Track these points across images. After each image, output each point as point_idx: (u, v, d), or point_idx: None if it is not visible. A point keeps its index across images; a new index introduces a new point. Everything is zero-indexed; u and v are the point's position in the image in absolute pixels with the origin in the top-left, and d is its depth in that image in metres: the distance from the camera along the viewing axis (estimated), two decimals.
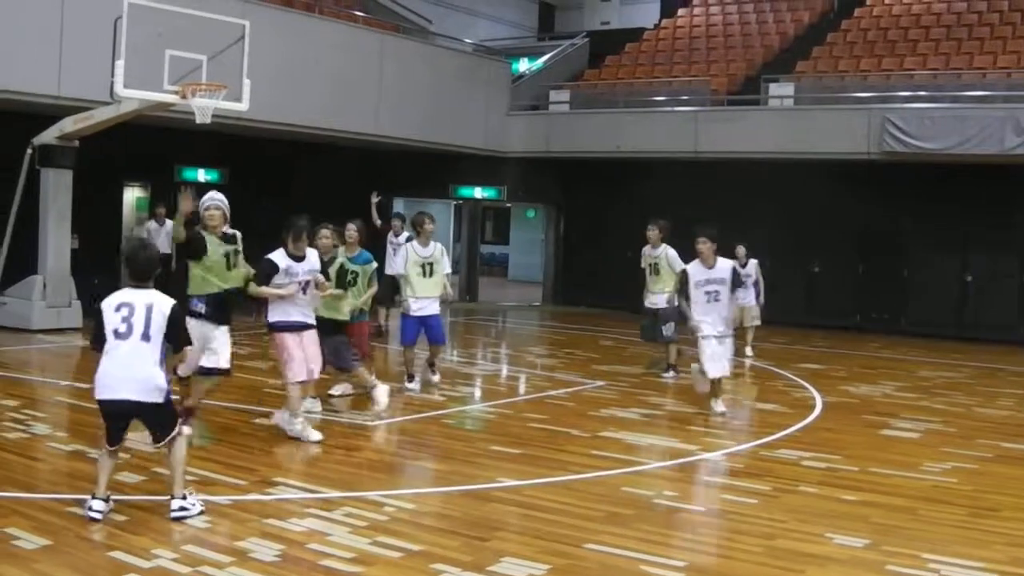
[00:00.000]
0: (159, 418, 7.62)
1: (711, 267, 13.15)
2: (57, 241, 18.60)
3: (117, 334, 7.55)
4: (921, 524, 8.27)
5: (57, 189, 18.50)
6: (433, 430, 11.76)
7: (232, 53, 16.66)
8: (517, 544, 7.44)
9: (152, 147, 21.47)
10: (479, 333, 23.00)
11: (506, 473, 9.55)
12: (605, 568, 7.07)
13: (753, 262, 18.87)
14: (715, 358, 12.66)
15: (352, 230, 12.79)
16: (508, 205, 35.63)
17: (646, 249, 16.46)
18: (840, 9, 30.72)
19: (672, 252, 16.17)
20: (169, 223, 20.89)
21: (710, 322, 12.80)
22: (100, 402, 7.63)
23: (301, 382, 10.53)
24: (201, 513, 7.62)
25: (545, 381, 15.73)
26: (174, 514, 7.54)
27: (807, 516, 8.38)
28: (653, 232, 16.40)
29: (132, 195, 25.01)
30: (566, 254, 29.38)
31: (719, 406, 12.74)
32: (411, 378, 13.95)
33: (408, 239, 18.41)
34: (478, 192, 29.18)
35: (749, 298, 18.34)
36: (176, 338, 7.61)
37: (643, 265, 16.44)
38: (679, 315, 14.91)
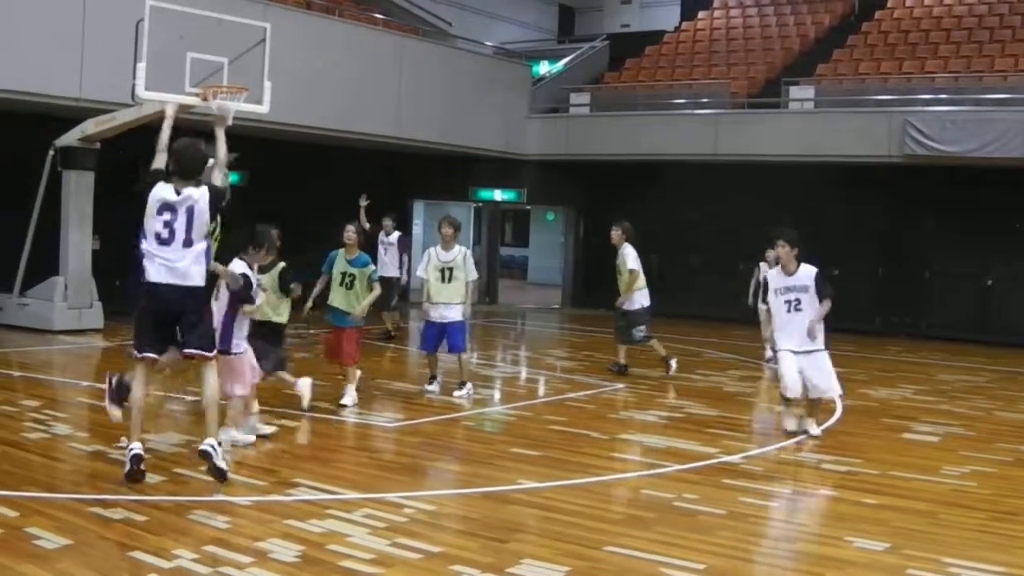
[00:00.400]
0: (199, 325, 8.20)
1: (791, 274, 12.10)
2: (78, 243, 18.67)
3: (159, 239, 7.80)
4: (941, 528, 8.25)
5: (79, 191, 18.58)
6: (453, 432, 11.77)
7: (253, 56, 16.69)
8: (536, 546, 7.44)
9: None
10: (498, 335, 23.00)
11: (526, 475, 9.55)
12: (624, 571, 7.06)
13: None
14: (790, 375, 11.51)
15: (351, 232, 12.81)
16: (528, 208, 35.64)
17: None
18: (860, 12, 30.68)
19: (630, 251, 16.78)
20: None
21: (787, 334, 11.93)
22: (147, 288, 8.26)
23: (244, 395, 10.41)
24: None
25: (564, 383, 15.73)
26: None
27: (827, 519, 8.38)
28: (616, 233, 16.80)
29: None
30: (586, 257, 29.37)
31: (812, 428, 11.64)
32: (432, 379, 13.90)
33: (400, 239, 18.53)
34: (498, 195, 29.19)
35: None
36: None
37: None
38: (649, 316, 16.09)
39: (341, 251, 12.67)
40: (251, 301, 10.23)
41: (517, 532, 7.82)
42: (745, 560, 7.37)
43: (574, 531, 7.81)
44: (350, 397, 12.44)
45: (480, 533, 7.71)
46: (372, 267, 12.81)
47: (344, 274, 12.59)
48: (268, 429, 10.63)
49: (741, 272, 25.31)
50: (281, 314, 11.59)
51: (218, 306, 9.89)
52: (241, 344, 10.08)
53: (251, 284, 10.27)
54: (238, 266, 10.42)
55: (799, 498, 9.13)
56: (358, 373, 12.75)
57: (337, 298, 12.59)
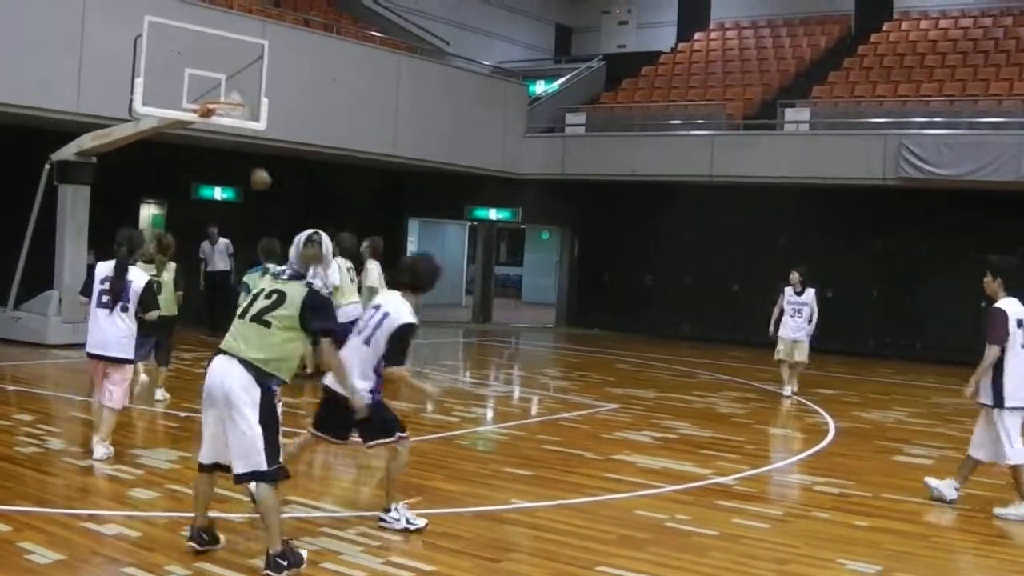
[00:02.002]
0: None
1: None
2: (73, 257, 18.66)
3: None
4: (933, 551, 8.26)
5: (75, 205, 18.59)
6: (446, 451, 11.76)
7: (251, 72, 16.74)
8: (529, 566, 7.44)
9: (170, 165, 21.58)
10: (492, 354, 23.02)
11: (519, 495, 9.55)
12: None
13: (810, 291, 17.38)
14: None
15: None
16: (523, 227, 35.69)
17: None
18: (857, 35, 30.74)
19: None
20: (223, 241, 21.35)
21: None
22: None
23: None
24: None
25: (558, 403, 15.74)
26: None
27: (819, 541, 8.38)
28: None
29: (149, 212, 25.12)
30: (580, 276, 29.39)
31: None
32: None
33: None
34: (493, 213, 29.21)
35: (801, 331, 16.89)
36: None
37: None
38: None
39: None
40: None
41: (510, 552, 7.82)
42: None
43: (567, 551, 7.81)
44: None
45: (473, 552, 7.72)
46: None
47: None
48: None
49: (735, 292, 25.43)
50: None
51: None
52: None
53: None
54: (137, 273, 10.53)
55: (792, 520, 9.13)
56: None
57: None
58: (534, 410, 15.59)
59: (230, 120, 16.42)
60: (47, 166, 18.39)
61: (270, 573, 6.86)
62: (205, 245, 21.94)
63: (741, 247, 25.71)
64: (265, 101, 16.91)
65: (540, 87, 32.36)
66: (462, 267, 34.29)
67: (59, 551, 7.11)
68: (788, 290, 17.22)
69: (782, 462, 11.58)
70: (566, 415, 14.50)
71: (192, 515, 7.34)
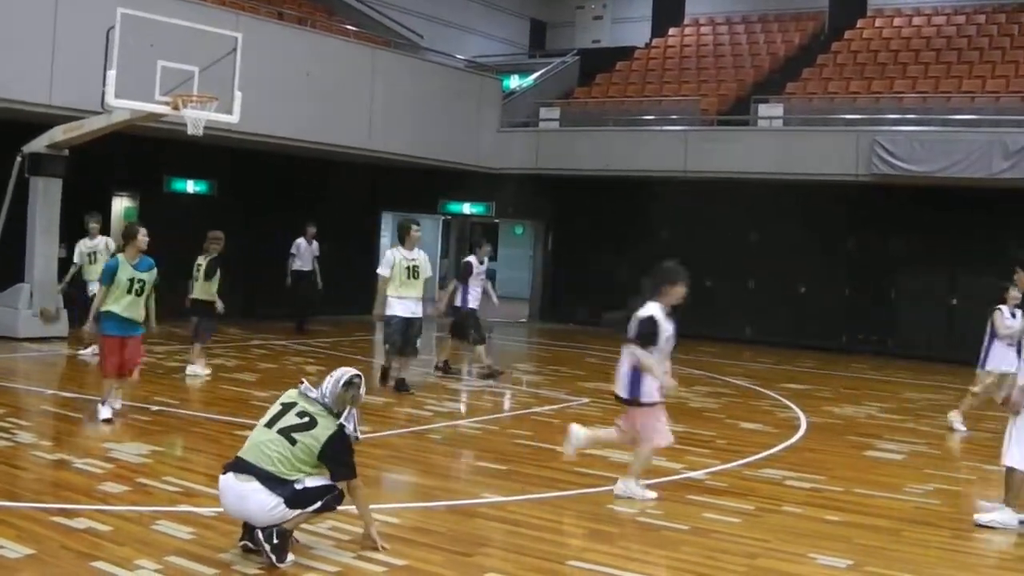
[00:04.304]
0: None
1: None
2: (45, 250, 18.56)
3: None
4: (904, 545, 8.29)
5: (46, 198, 18.48)
6: (418, 445, 11.76)
7: (224, 65, 16.69)
8: (501, 560, 7.45)
9: (142, 157, 21.50)
10: (465, 349, 22.98)
11: (491, 489, 9.56)
12: None
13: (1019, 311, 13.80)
14: None
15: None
16: (496, 221, 35.65)
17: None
18: (830, 31, 30.84)
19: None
20: (316, 244, 21.76)
21: None
22: None
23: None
24: None
25: (531, 398, 15.75)
26: None
27: (790, 536, 8.40)
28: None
29: (121, 205, 24.99)
30: (554, 271, 29.42)
31: None
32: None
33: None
34: (467, 208, 29.21)
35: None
36: None
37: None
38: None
39: (121, 257, 11.86)
40: None
41: (482, 546, 7.83)
42: None
43: (538, 545, 7.82)
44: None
45: (445, 547, 7.71)
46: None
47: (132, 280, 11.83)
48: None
49: (708, 288, 25.47)
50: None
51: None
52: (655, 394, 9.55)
53: None
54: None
55: (762, 514, 9.15)
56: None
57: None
58: (506, 404, 15.58)
59: (203, 113, 16.36)
60: (18, 158, 18.27)
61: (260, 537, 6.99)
62: (301, 242, 22.16)
63: (714, 242, 25.75)
64: (239, 94, 16.86)
65: (514, 82, 32.34)
66: (435, 261, 34.22)
67: (28, 545, 7.07)
68: (1005, 310, 13.99)
69: (753, 457, 11.59)
70: (538, 409, 14.52)
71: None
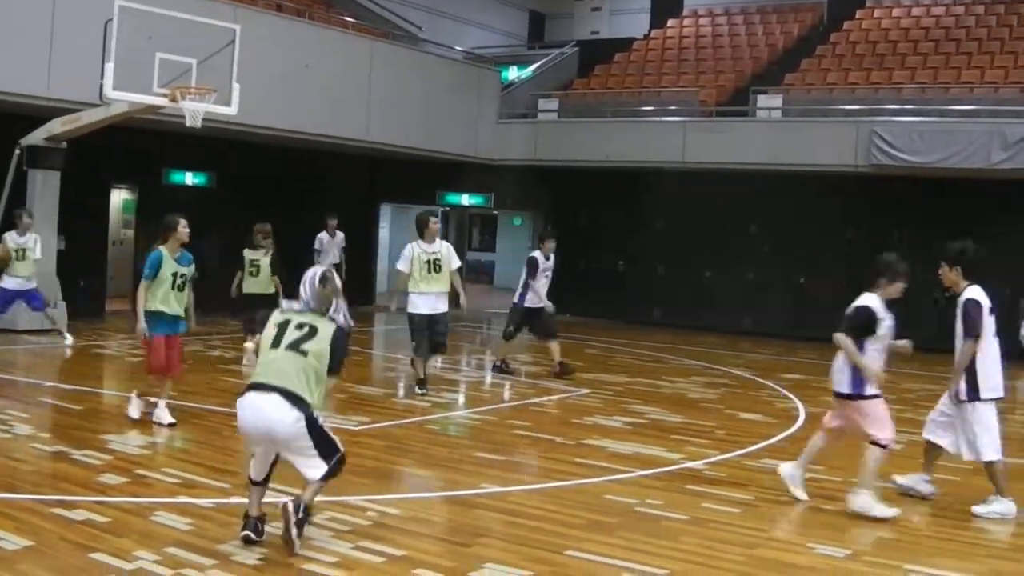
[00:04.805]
0: None
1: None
2: (43, 242, 18.50)
3: None
4: (902, 534, 8.30)
5: (44, 190, 18.48)
6: (417, 436, 11.77)
7: (222, 57, 16.68)
8: (499, 550, 7.45)
9: (140, 150, 21.47)
10: (464, 340, 22.99)
11: (489, 479, 9.57)
12: (587, 575, 7.08)
13: None
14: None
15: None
16: (495, 212, 35.65)
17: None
18: (829, 22, 30.78)
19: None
20: (340, 235, 21.50)
21: None
22: None
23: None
24: None
25: (529, 388, 15.75)
26: None
27: (789, 526, 8.43)
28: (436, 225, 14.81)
29: (119, 197, 25.01)
30: (553, 262, 29.36)
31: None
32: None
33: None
34: (465, 199, 29.18)
35: None
36: None
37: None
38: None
39: (164, 250, 11.29)
40: None
41: (480, 536, 7.84)
42: (707, 566, 7.39)
43: (537, 535, 7.83)
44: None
45: (443, 537, 7.73)
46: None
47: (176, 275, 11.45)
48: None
49: (707, 279, 25.48)
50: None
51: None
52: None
53: None
54: None
55: (761, 504, 9.16)
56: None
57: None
58: (505, 395, 15.58)
59: (202, 105, 16.35)
60: (17, 151, 18.27)
61: (288, 505, 7.14)
62: (323, 236, 22.10)
63: (713, 234, 25.74)
64: (237, 86, 16.85)
65: (513, 73, 32.31)
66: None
67: (27, 537, 7.08)
68: None
69: (752, 447, 11.60)
70: (537, 400, 14.52)
71: (247, 505, 7.40)
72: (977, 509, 9.06)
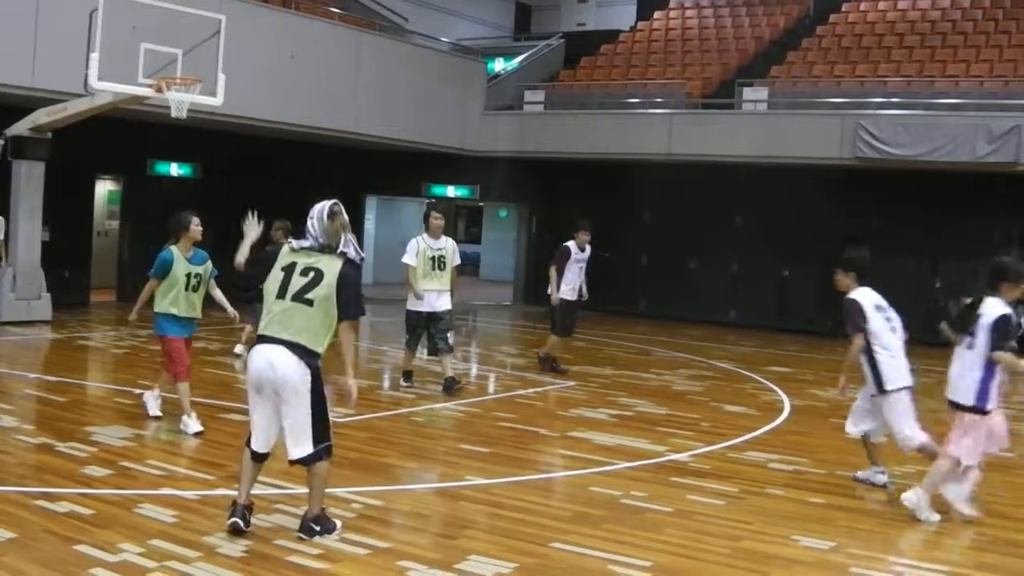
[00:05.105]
0: None
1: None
2: (28, 233, 18.52)
3: None
4: (886, 527, 8.33)
5: (29, 181, 18.43)
6: (403, 428, 11.77)
7: (208, 48, 16.62)
8: (485, 543, 7.46)
9: (126, 141, 21.42)
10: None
11: (475, 472, 9.57)
12: (572, 567, 7.09)
13: None
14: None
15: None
16: (481, 204, 35.65)
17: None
18: (815, 15, 30.81)
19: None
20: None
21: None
22: None
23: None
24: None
25: (515, 380, 15.76)
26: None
27: (773, 518, 8.43)
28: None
29: (104, 188, 24.96)
30: (538, 254, 29.37)
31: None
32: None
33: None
34: (451, 191, 29.19)
35: None
36: None
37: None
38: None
39: (175, 249, 10.92)
40: None
41: (465, 528, 7.84)
42: (692, 558, 7.40)
43: (522, 528, 7.83)
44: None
45: (428, 529, 7.73)
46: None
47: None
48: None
49: (692, 270, 25.51)
50: None
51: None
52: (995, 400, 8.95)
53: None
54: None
55: (746, 497, 9.18)
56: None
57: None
58: (491, 387, 15.59)
59: (187, 96, 16.30)
60: (1, 142, 18.21)
61: (302, 535, 7.22)
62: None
63: (698, 225, 25.78)
64: (222, 77, 16.81)
65: (499, 65, 32.30)
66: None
67: (11, 529, 7.06)
68: None
69: (737, 439, 11.62)
70: (522, 392, 14.52)
71: (235, 494, 7.40)
72: (906, 496, 9.11)
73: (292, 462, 7.27)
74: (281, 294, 7.20)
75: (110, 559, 6.63)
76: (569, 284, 16.52)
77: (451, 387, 13.79)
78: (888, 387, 9.64)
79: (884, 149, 22.11)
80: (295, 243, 7.37)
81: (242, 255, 9.55)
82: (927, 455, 9.38)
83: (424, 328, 14.04)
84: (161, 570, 6.50)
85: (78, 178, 21.64)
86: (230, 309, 11.53)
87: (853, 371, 9.82)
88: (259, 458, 7.35)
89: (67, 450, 9.43)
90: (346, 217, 7.43)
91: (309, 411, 7.13)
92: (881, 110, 23.08)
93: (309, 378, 7.11)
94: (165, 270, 10.75)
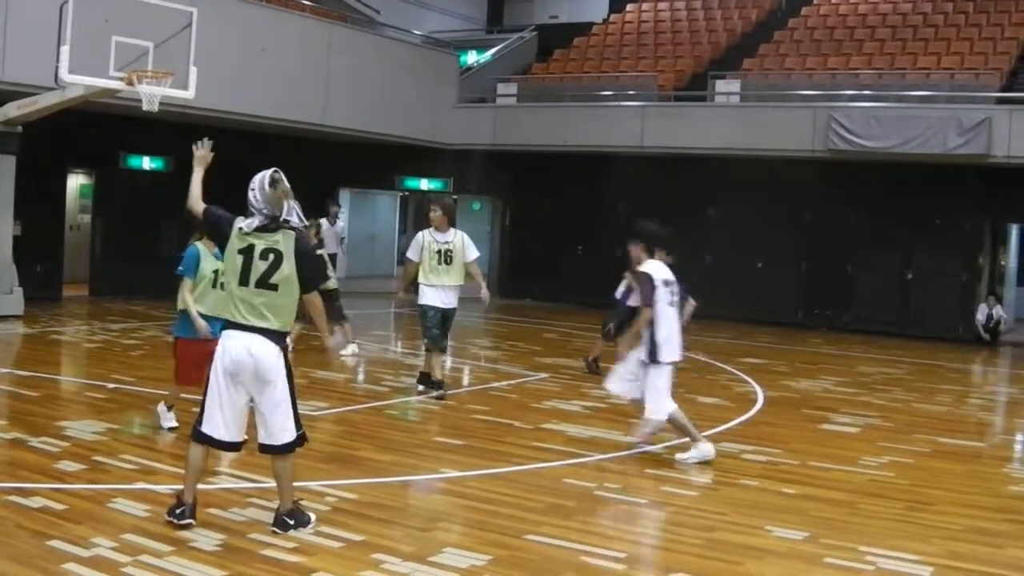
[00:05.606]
0: None
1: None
2: None
3: None
4: (859, 517, 8.36)
5: (0, 175, 18.32)
6: (376, 421, 11.76)
7: (179, 41, 16.56)
8: (459, 535, 7.47)
9: (97, 134, 21.32)
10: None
11: (449, 464, 9.57)
12: (546, 559, 7.10)
13: None
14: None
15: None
16: (454, 197, 35.58)
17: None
18: (787, 8, 30.91)
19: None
20: (340, 224, 20.34)
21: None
22: None
23: None
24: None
25: (488, 373, 15.78)
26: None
27: (747, 509, 8.46)
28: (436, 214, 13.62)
29: (76, 182, 24.83)
30: (511, 247, 29.41)
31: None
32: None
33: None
34: (424, 184, 29.16)
35: None
36: None
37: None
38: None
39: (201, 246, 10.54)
40: None
41: (439, 521, 7.85)
42: (665, 549, 7.44)
43: (496, 520, 7.84)
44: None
45: (402, 522, 7.73)
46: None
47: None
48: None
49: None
50: None
51: None
52: None
53: None
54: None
55: (720, 488, 9.21)
56: None
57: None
58: (464, 380, 15.58)
59: (159, 89, 16.24)
60: None
61: (276, 530, 7.22)
62: (323, 223, 19.93)
63: (671, 218, 25.74)
64: (194, 70, 16.75)
65: (472, 57, 32.27)
66: (393, 238, 34.21)
67: None
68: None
69: (711, 431, 11.63)
70: (496, 385, 14.54)
71: (182, 489, 7.36)
72: (679, 456, 10.05)
73: (271, 449, 7.24)
74: (244, 280, 7.15)
75: (83, 554, 6.60)
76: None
77: (439, 389, 13.22)
78: (660, 358, 10.15)
79: (856, 141, 22.20)
80: (244, 224, 7.26)
81: (195, 189, 8.27)
82: (675, 426, 10.26)
83: (441, 324, 13.38)
84: (135, 564, 6.48)
85: (50, 172, 21.54)
86: (326, 338, 10.98)
87: (637, 341, 10.28)
88: (229, 448, 7.31)
89: (40, 445, 9.38)
90: (287, 184, 7.34)
91: (288, 394, 7.19)
92: (853, 102, 23.17)
93: (283, 361, 7.16)
94: (195, 267, 10.30)
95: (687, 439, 10.28)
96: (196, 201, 7.90)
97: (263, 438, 7.24)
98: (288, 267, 7.15)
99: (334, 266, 18.17)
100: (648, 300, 10.15)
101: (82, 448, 9.34)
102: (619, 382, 10.66)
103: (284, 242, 7.18)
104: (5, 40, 17.26)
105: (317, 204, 20.20)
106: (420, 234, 13.45)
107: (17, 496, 7.71)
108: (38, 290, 19.99)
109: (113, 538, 6.90)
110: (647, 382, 10.19)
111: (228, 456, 8.42)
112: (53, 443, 9.49)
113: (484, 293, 13.71)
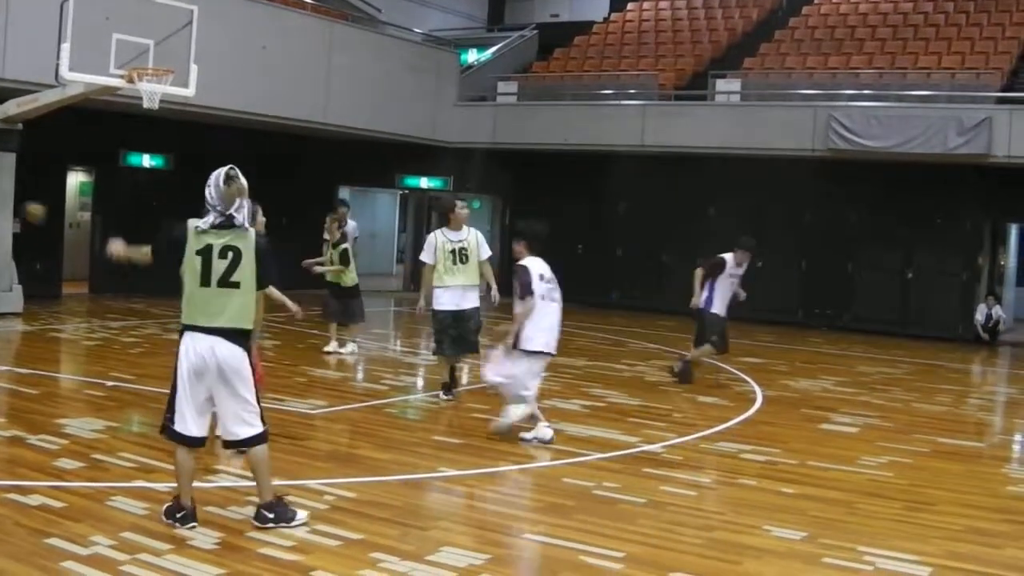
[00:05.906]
0: None
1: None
2: None
3: None
4: (858, 517, 8.36)
5: (0, 172, 18.31)
6: (375, 419, 11.75)
7: (180, 38, 16.56)
8: (457, 534, 7.46)
9: (97, 132, 21.31)
10: (423, 323, 22.95)
11: (447, 463, 9.56)
12: (544, 558, 7.10)
13: None
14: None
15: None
16: (460, 197, 35.57)
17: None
18: (788, 7, 30.90)
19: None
20: (352, 223, 20.24)
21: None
22: None
23: None
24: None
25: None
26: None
27: (745, 508, 8.45)
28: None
29: (76, 180, 24.83)
30: (511, 245, 29.35)
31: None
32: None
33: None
34: (424, 182, 29.14)
35: None
36: None
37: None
38: None
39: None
40: None
41: (438, 520, 7.85)
42: (664, 548, 7.42)
43: (495, 519, 7.85)
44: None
45: (401, 520, 7.72)
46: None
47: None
48: None
49: (665, 263, 25.53)
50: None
51: None
52: None
53: None
54: None
55: (719, 487, 9.21)
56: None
57: None
58: (463, 378, 15.56)
59: (159, 87, 16.24)
60: None
61: (255, 523, 7.27)
62: (351, 222, 19.98)
63: (671, 217, 25.83)
64: (194, 67, 16.74)
65: (472, 56, 32.25)
66: (393, 236, 34.22)
67: None
68: None
69: (709, 430, 11.64)
70: None
71: (176, 489, 7.36)
72: (523, 435, 10.58)
73: (237, 444, 7.30)
74: (205, 281, 7.14)
75: (82, 552, 6.60)
76: (723, 299, 15.43)
77: (448, 393, 13.10)
78: (524, 346, 10.61)
79: (856, 141, 22.20)
80: (200, 224, 7.22)
81: (138, 255, 7.77)
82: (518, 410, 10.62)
83: (454, 329, 13.09)
84: (133, 563, 6.47)
85: (49, 169, 21.51)
86: (291, 304, 10.60)
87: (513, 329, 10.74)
88: (198, 444, 7.31)
89: (39, 443, 9.38)
90: (243, 181, 7.27)
91: (252, 390, 7.21)
92: (853, 102, 23.16)
93: (246, 362, 7.18)
94: None
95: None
96: (146, 254, 7.69)
97: (227, 434, 7.29)
98: (248, 265, 7.16)
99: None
100: (527, 291, 10.81)
101: (81, 446, 9.34)
102: (491, 369, 10.92)
103: (243, 239, 7.19)
104: (6, 38, 17.27)
105: (323, 202, 20.22)
106: (432, 235, 13.05)
107: (16, 494, 7.70)
108: (38, 287, 19.99)
109: (112, 536, 6.90)
110: (516, 368, 10.63)
111: (227, 455, 8.42)
112: (52, 441, 9.48)
113: (495, 294, 13.41)
